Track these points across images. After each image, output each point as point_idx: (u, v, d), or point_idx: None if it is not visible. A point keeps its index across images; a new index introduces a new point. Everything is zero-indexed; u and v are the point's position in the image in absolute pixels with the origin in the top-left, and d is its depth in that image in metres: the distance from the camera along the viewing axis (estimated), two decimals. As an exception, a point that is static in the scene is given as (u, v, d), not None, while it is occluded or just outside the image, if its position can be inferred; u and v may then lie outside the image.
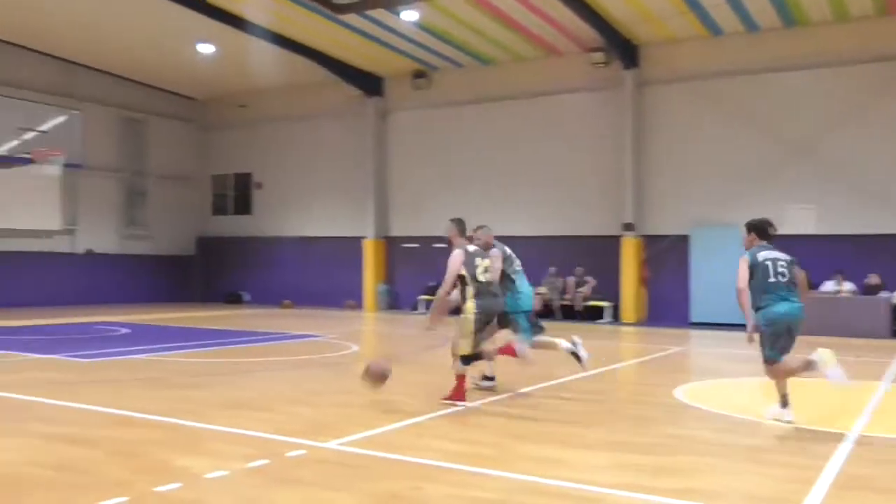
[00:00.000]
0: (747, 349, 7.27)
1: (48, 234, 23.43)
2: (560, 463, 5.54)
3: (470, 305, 7.67)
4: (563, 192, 21.19)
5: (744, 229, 7.46)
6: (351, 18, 19.48)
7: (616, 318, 20.10)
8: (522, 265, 8.78)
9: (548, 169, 21.46)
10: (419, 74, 23.23)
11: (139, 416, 6.98)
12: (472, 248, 8.00)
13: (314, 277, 25.05)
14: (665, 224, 19.87)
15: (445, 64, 22.72)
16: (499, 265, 8.36)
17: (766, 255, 7.12)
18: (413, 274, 23.28)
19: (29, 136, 16.72)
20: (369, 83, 23.99)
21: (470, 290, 7.71)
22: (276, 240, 25.95)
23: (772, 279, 6.96)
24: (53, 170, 17.64)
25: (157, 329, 16.42)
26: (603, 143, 20.73)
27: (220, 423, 6.72)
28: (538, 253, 20.96)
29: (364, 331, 17.07)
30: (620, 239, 20.18)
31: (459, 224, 8.17)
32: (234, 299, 26.01)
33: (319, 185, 25.31)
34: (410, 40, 21.01)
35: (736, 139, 19.11)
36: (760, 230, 7.35)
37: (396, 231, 24.11)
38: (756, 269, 7.06)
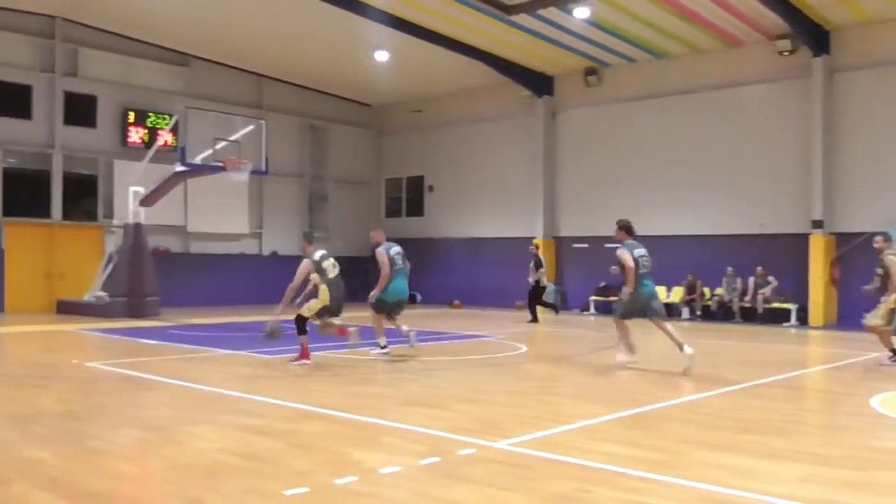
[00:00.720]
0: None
1: (238, 237, 25.23)
2: (741, 473, 5.23)
3: (324, 295, 10.44)
4: (743, 188, 20.14)
5: (616, 226, 10.24)
6: (521, 18, 19.50)
7: (802, 320, 18.89)
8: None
9: (726, 164, 20.48)
10: (590, 72, 22.88)
11: (318, 411, 7.27)
12: (318, 255, 10.55)
13: (484, 278, 25.21)
14: (859, 221, 18.40)
15: (617, 60, 22.25)
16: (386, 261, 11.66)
17: (638, 252, 9.95)
18: (582, 274, 22.96)
19: (220, 145, 17.98)
20: (539, 83, 23.93)
21: (324, 284, 10.38)
22: (447, 241, 26.40)
23: (643, 270, 9.87)
24: (242, 176, 18.87)
25: (336, 327, 17.06)
26: (789, 135, 19.54)
27: (394, 419, 6.89)
28: (714, 252, 20.09)
29: (534, 331, 17.01)
30: (808, 237, 18.94)
31: (308, 237, 11.00)
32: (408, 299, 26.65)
33: (489, 187, 25.50)
34: (581, 37, 20.73)
35: (942, 127, 17.44)
36: (629, 229, 10.16)
37: (566, 231, 23.87)
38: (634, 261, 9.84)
